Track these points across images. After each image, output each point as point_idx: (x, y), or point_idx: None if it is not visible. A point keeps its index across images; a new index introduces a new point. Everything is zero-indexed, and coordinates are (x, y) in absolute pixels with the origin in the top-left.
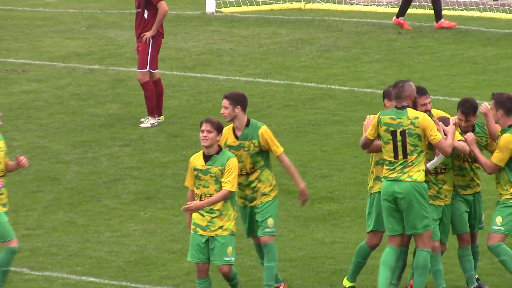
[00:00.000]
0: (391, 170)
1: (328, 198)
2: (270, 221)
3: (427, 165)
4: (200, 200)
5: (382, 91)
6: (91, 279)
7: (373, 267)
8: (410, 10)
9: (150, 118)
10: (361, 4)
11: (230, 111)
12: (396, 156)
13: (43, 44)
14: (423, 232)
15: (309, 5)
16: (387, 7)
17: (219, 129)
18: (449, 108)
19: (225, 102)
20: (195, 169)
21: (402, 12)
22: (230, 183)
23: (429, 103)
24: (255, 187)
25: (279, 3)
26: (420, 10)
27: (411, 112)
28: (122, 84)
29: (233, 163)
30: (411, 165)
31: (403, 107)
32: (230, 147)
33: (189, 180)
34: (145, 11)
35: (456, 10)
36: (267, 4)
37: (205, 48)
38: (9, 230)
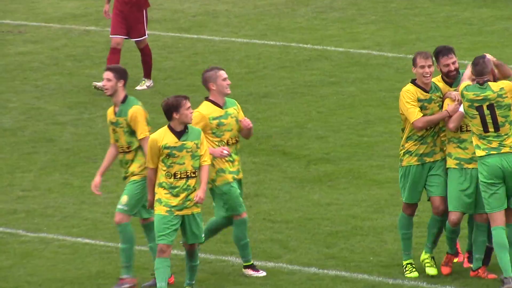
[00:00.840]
0: (486, 142)
1: (324, 160)
2: (124, 198)
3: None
4: (175, 177)
5: (377, 52)
6: (87, 240)
7: (369, 228)
8: None
9: (146, 80)
10: None
11: (113, 84)
12: (486, 129)
13: (39, 5)
14: None
15: None
16: None
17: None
18: None
19: (109, 75)
20: (166, 147)
21: None
22: (209, 158)
23: (453, 63)
24: (129, 167)
25: None
26: None
27: (493, 85)
28: None
29: (203, 136)
30: (507, 137)
31: (485, 82)
32: (111, 123)
33: (153, 160)
34: None
35: None
36: None
37: (201, 9)
38: (240, 202)
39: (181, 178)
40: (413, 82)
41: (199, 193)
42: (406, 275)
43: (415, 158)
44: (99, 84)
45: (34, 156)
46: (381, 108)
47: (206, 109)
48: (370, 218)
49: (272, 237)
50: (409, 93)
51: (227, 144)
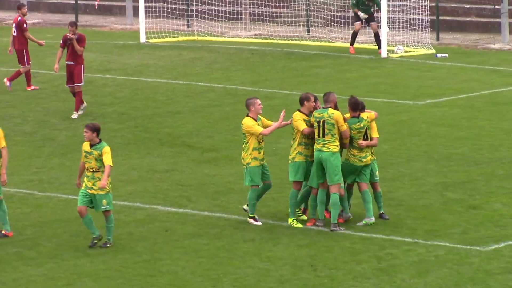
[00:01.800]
0: (317, 143)
1: (212, 149)
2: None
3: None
4: (87, 170)
5: (242, 87)
6: (75, 197)
7: (238, 188)
8: (256, 40)
9: (76, 112)
10: (230, 37)
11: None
12: (318, 135)
13: None
14: (333, 184)
15: (200, 38)
16: (245, 38)
17: (93, 129)
18: (282, 97)
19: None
20: (85, 151)
21: (352, 42)
22: (109, 161)
23: (319, 105)
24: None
25: (182, 37)
26: (264, 40)
27: (330, 110)
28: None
29: (106, 149)
30: (328, 142)
31: (326, 107)
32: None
33: (82, 158)
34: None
35: (285, 40)
36: (176, 37)
37: (139, 62)
38: (259, 178)
39: (88, 171)
40: (299, 110)
41: (101, 183)
42: (294, 226)
43: (303, 157)
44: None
45: (43, 148)
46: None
47: (251, 120)
48: (239, 183)
49: (181, 194)
50: (298, 116)
51: (258, 142)
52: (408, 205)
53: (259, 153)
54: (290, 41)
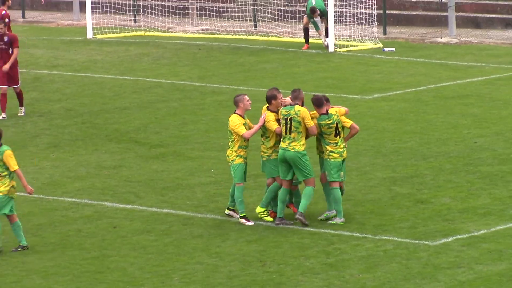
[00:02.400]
0: (283, 141)
1: (159, 145)
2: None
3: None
4: None
5: (190, 83)
6: None
7: (186, 184)
8: (203, 35)
9: (23, 108)
10: (177, 32)
11: None
12: (286, 132)
13: None
14: (306, 179)
15: (147, 33)
16: (192, 34)
17: None
18: (230, 92)
19: None
20: None
21: (306, 40)
22: (14, 165)
23: (282, 99)
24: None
25: (129, 32)
26: (211, 35)
27: (297, 107)
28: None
29: (8, 153)
30: (294, 140)
31: (293, 104)
32: None
33: None
34: (10, 49)
35: (233, 35)
36: (122, 33)
37: (87, 58)
38: (242, 175)
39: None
40: (268, 108)
41: (28, 188)
42: (264, 218)
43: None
44: None
45: None
46: (192, 115)
47: (239, 118)
48: (187, 178)
49: (129, 190)
50: (271, 116)
51: (245, 141)
52: (356, 199)
53: (245, 151)
54: (237, 36)
